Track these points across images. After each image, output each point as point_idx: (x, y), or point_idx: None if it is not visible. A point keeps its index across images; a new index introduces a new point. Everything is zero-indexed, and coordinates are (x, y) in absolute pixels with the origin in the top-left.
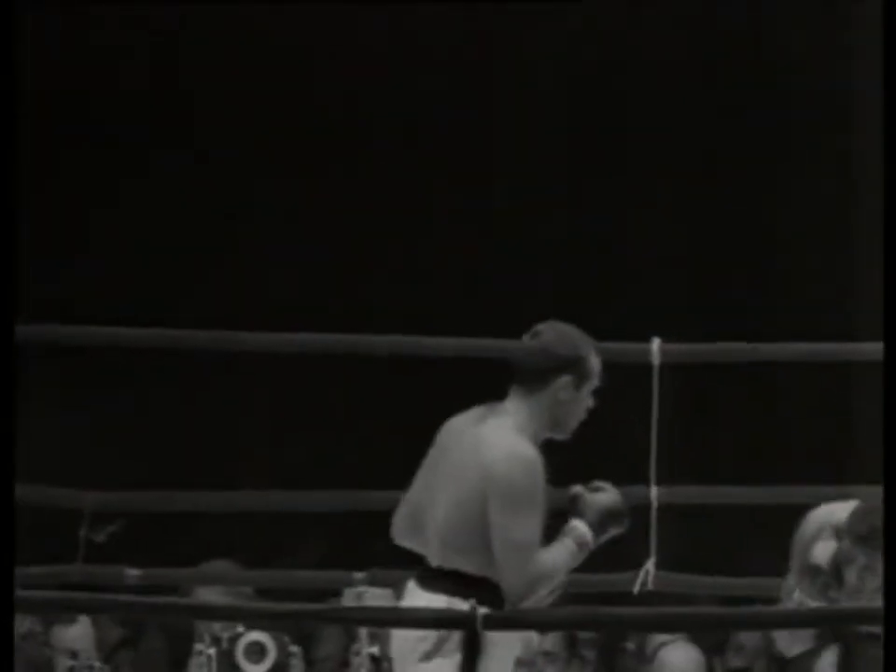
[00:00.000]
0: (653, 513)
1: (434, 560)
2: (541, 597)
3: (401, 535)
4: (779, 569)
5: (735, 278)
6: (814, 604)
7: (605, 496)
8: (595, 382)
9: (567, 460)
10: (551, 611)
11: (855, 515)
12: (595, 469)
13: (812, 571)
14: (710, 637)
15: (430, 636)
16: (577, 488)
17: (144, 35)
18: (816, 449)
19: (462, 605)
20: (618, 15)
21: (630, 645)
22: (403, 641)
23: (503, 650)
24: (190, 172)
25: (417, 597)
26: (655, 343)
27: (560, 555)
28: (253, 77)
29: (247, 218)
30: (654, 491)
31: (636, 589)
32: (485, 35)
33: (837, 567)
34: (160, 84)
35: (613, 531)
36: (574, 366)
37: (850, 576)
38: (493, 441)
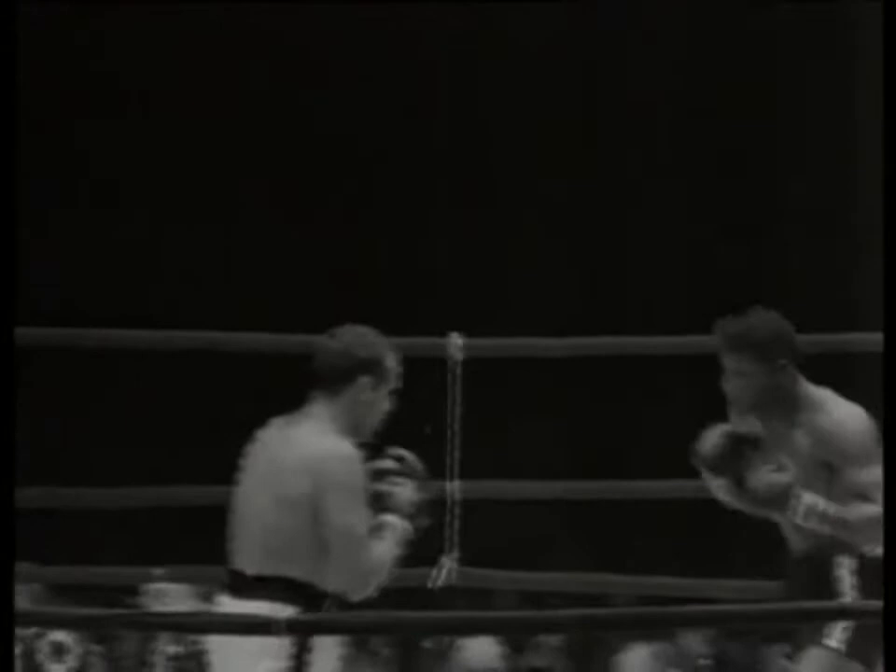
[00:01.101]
0: (454, 508)
1: (251, 568)
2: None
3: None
4: (586, 564)
5: (733, 273)
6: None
7: (407, 490)
8: (392, 383)
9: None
10: (354, 616)
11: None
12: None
13: (697, 459)
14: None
15: (255, 643)
16: (378, 487)
17: (144, 35)
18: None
19: (287, 610)
20: (618, 15)
21: (426, 642)
22: (228, 648)
23: (328, 650)
24: (189, 171)
25: (234, 607)
26: (453, 338)
27: (386, 548)
28: (253, 76)
29: (246, 218)
30: (455, 485)
31: (431, 584)
32: (483, 35)
33: (720, 449)
34: (159, 84)
35: (421, 522)
36: (373, 367)
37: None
38: (312, 443)
